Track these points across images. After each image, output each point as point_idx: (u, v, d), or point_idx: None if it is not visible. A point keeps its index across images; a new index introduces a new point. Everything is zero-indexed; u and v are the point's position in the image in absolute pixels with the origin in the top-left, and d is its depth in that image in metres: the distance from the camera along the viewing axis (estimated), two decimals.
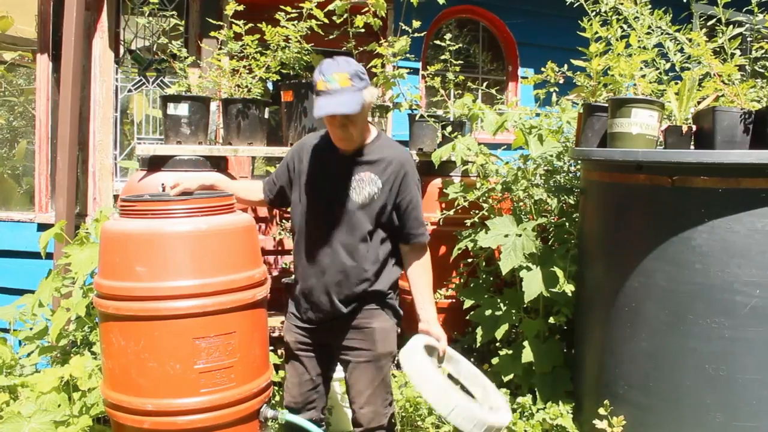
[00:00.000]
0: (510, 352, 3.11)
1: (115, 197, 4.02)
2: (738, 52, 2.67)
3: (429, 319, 2.39)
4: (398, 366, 3.60)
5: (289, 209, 2.55)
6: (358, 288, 2.30)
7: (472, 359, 3.43)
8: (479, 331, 3.12)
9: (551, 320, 3.06)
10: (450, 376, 2.43)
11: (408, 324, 3.83)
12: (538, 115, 3.55)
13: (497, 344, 3.17)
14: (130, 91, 4.24)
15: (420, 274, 2.40)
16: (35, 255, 3.67)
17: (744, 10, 2.83)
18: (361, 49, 3.50)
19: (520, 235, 2.96)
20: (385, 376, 2.38)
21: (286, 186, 2.44)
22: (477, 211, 3.24)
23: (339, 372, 2.54)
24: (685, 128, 2.57)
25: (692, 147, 2.60)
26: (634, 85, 2.84)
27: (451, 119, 3.62)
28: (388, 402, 2.41)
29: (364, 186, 2.28)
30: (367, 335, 2.33)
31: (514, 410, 2.93)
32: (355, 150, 2.31)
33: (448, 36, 3.68)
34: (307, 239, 2.37)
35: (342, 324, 2.35)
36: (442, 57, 3.72)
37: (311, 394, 2.43)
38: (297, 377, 2.43)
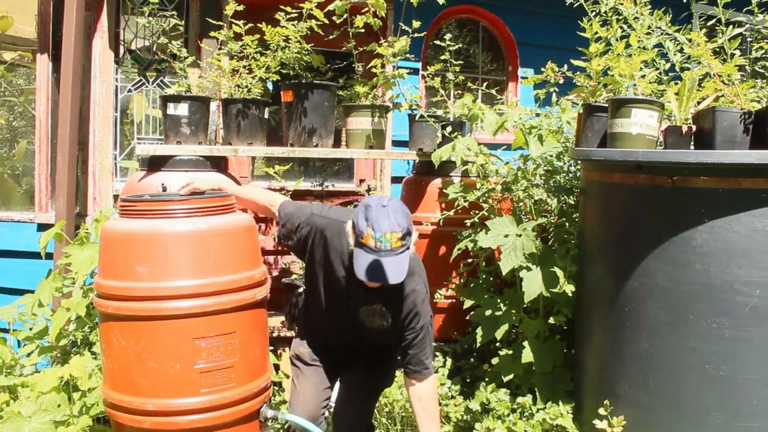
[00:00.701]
0: (510, 352, 3.11)
1: (115, 197, 4.02)
2: (738, 52, 2.67)
3: None
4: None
5: None
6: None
7: (472, 359, 3.44)
8: (479, 331, 3.12)
9: (551, 320, 3.06)
10: None
11: None
12: (538, 115, 3.55)
13: (497, 344, 3.17)
14: (130, 91, 4.24)
15: (419, 411, 2.33)
16: (35, 255, 3.66)
17: (744, 10, 2.83)
18: (361, 49, 3.50)
19: (520, 236, 2.96)
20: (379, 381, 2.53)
21: (303, 256, 2.41)
22: (477, 212, 3.24)
23: None
24: (685, 128, 2.57)
25: (692, 147, 2.59)
26: (634, 85, 2.84)
27: (451, 119, 3.62)
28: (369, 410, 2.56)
29: (375, 319, 2.25)
30: (384, 367, 2.52)
31: (514, 410, 2.93)
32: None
33: (448, 36, 3.68)
34: (317, 312, 2.45)
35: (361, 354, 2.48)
36: (442, 57, 3.71)
37: (325, 403, 2.46)
38: (312, 388, 2.45)
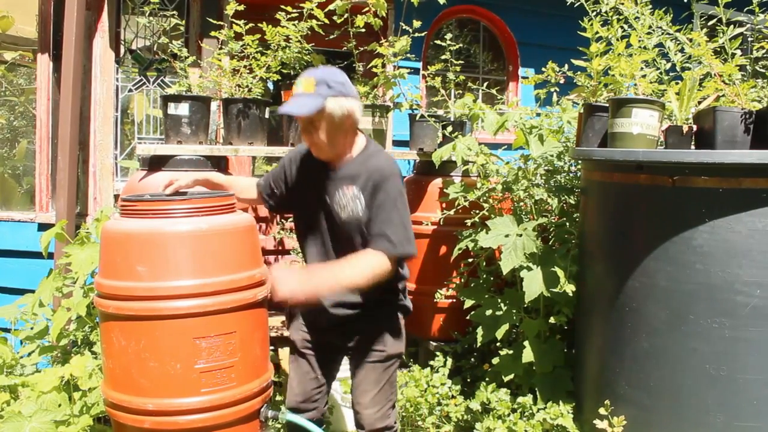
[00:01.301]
0: (510, 352, 3.11)
1: (116, 197, 4.02)
2: (739, 52, 2.67)
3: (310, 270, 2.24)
4: (403, 366, 3.61)
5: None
6: (359, 296, 2.27)
7: (472, 359, 3.44)
8: (480, 331, 3.12)
9: (552, 320, 3.05)
10: None
11: (409, 323, 3.84)
12: (538, 115, 3.55)
13: (498, 344, 3.17)
14: (130, 90, 4.25)
15: (351, 258, 2.19)
16: (36, 255, 3.67)
17: (745, 10, 2.83)
18: (362, 49, 3.50)
19: (520, 235, 2.96)
20: (392, 376, 2.37)
21: (284, 193, 2.43)
22: (477, 211, 3.24)
23: (340, 372, 2.54)
24: (685, 128, 2.57)
25: (693, 147, 2.59)
26: (635, 85, 2.84)
27: (452, 119, 3.62)
28: (392, 403, 2.40)
29: (348, 201, 2.23)
30: (378, 336, 2.32)
31: (514, 410, 2.92)
32: (339, 163, 2.26)
33: (448, 36, 3.68)
34: (307, 247, 2.37)
35: (352, 326, 2.34)
36: (443, 57, 3.72)
37: (314, 393, 2.43)
38: (301, 375, 2.43)
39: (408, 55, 3.56)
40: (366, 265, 2.14)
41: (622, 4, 2.94)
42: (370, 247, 2.17)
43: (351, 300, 2.28)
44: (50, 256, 3.61)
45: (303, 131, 2.23)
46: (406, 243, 2.18)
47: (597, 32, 3.01)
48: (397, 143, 4.62)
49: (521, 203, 3.31)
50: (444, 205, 3.42)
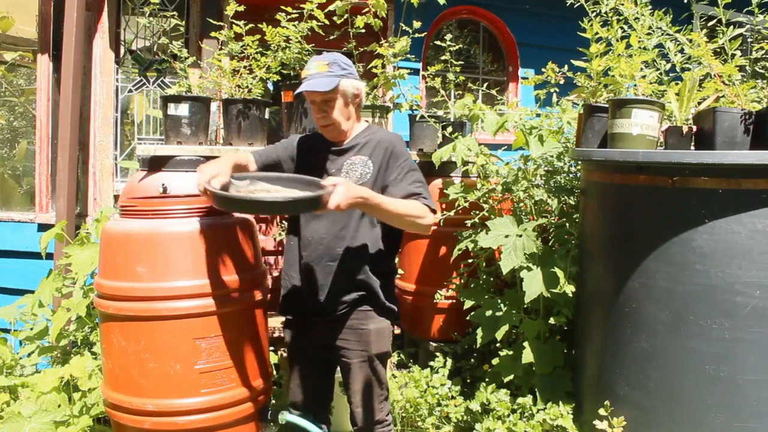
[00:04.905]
0: (510, 352, 3.11)
1: (116, 197, 4.02)
2: (738, 52, 2.67)
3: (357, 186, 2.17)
4: (403, 366, 3.61)
5: None
6: (352, 277, 2.28)
7: (472, 359, 3.44)
8: (479, 331, 3.12)
9: (552, 321, 3.05)
10: None
11: (409, 324, 3.82)
12: (538, 115, 3.55)
13: (498, 345, 3.17)
14: (130, 91, 4.25)
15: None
16: (36, 255, 3.67)
17: (744, 10, 2.83)
18: (362, 49, 3.50)
19: (520, 236, 2.96)
20: (380, 374, 2.38)
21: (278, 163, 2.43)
22: (477, 212, 3.24)
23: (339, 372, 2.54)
24: (685, 129, 2.57)
25: (693, 148, 2.59)
26: (635, 85, 2.84)
27: (452, 120, 3.62)
28: (384, 397, 2.41)
29: (356, 168, 2.30)
30: (362, 336, 2.32)
31: (514, 411, 2.92)
32: (345, 141, 2.34)
33: (448, 36, 3.68)
34: (308, 226, 2.33)
35: (337, 324, 2.34)
36: (443, 57, 3.71)
37: (315, 395, 2.44)
38: (299, 378, 2.43)
39: (408, 55, 3.56)
40: (412, 205, 2.20)
41: (622, 4, 2.94)
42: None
43: (340, 294, 2.28)
44: (50, 256, 3.62)
45: (317, 110, 2.29)
46: (431, 198, 2.29)
47: (597, 33, 3.01)
48: None
49: (521, 204, 3.30)
50: (444, 206, 3.42)
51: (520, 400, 2.93)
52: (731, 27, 2.70)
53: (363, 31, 3.45)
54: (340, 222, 2.28)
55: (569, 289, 2.89)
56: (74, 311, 2.97)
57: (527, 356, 2.99)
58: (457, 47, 3.81)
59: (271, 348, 3.10)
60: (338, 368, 2.47)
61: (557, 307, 3.05)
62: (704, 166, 2.34)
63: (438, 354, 3.41)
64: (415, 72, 4.78)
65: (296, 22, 3.38)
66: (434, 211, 2.27)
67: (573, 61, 3.20)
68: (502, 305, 3.11)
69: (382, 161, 2.29)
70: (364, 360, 2.33)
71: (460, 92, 4.74)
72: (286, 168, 2.40)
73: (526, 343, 3.03)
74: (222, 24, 3.52)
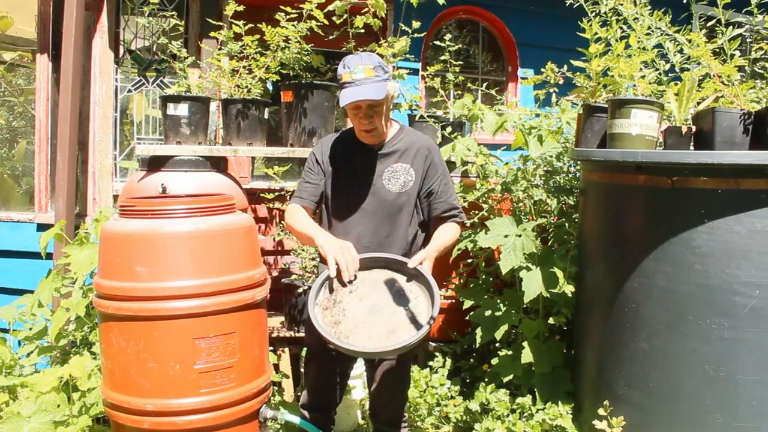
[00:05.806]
0: (510, 352, 3.11)
1: (115, 197, 4.02)
2: (737, 53, 2.67)
3: (426, 251, 2.36)
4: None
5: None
6: None
7: (472, 359, 3.44)
8: (479, 331, 3.12)
9: (551, 321, 3.06)
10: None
11: None
12: (537, 115, 3.55)
13: (497, 345, 3.17)
14: (129, 91, 4.24)
15: (443, 229, 2.42)
16: (35, 255, 3.66)
17: (744, 11, 2.83)
18: (361, 49, 3.50)
19: (519, 236, 2.96)
20: (408, 371, 2.47)
21: (324, 189, 2.46)
22: (477, 212, 3.24)
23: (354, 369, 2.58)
24: (684, 129, 2.57)
25: (692, 148, 2.60)
26: (634, 85, 2.84)
27: (451, 120, 3.62)
28: (407, 396, 2.54)
29: (399, 176, 2.34)
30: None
31: (513, 411, 2.93)
32: (381, 143, 2.37)
33: (447, 36, 3.68)
34: (350, 230, 2.40)
35: None
36: (442, 57, 3.72)
37: (335, 395, 2.47)
38: (323, 377, 2.46)
39: (407, 55, 3.56)
40: (453, 234, 2.44)
41: (622, 4, 2.94)
42: (446, 220, 2.43)
43: None
44: (49, 256, 3.61)
45: (362, 116, 2.26)
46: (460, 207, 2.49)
47: (596, 33, 3.01)
48: None
49: (520, 204, 3.31)
50: None
51: (519, 400, 2.93)
52: (730, 27, 2.71)
53: (362, 31, 3.45)
54: (385, 230, 2.36)
55: (568, 289, 2.89)
56: (73, 311, 2.97)
57: (526, 356, 2.99)
58: (456, 47, 3.80)
59: (271, 348, 3.10)
60: (364, 365, 2.52)
61: (556, 307, 3.06)
62: (703, 166, 2.34)
63: (437, 354, 3.41)
64: (415, 72, 4.78)
65: (295, 22, 3.38)
66: (463, 222, 2.48)
67: (572, 61, 3.20)
68: (501, 305, 3.11)
69: (423, 170, 2.38)
70: (397, 358, 2.39)
71: (460, 92, 4.74)
72: (325, 184, 2.44)
73: (525, 343, 3.03)
74: (221, 24, 3.52)
